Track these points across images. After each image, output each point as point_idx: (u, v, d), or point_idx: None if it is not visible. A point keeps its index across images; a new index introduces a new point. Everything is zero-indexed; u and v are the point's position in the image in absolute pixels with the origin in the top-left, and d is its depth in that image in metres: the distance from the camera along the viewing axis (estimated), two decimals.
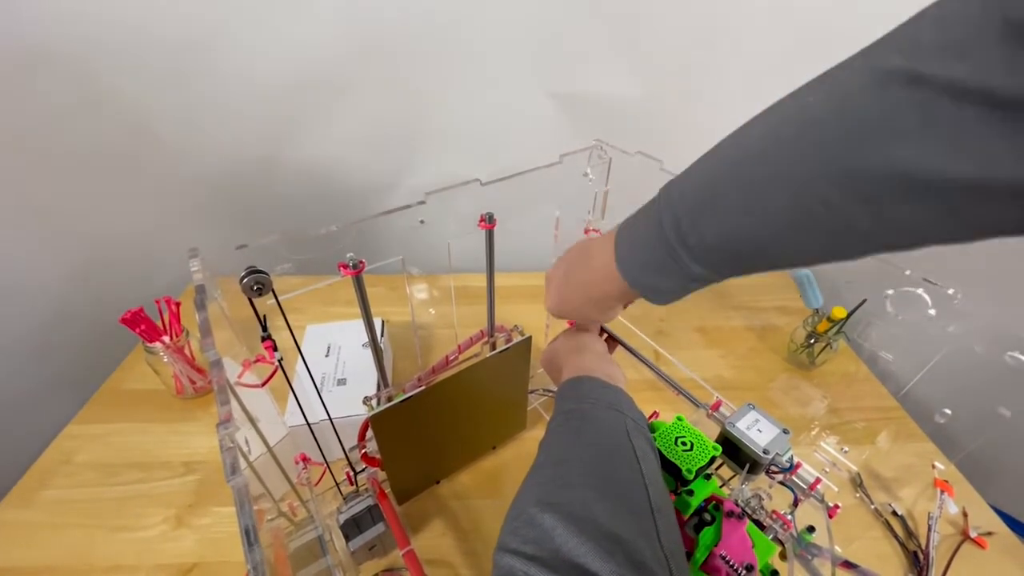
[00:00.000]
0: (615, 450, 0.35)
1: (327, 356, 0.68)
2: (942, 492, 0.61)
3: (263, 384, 0.41)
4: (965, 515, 0.60)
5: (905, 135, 0.22)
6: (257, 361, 0.40)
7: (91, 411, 0.73)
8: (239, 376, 0.38)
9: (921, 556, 0.57)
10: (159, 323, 0.70)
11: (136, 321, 0.68)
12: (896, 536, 0.59)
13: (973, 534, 0.59)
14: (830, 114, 0.25)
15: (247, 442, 0.34)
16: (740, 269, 0.32)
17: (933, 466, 0.63)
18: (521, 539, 0.29)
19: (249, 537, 0.25)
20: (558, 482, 0.33)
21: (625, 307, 0.46)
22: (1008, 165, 0.20)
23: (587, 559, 0.26)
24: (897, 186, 0.23)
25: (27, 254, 0.80)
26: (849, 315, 0.72)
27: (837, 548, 0.44)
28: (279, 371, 0.41)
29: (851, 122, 0.24)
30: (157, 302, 0.71)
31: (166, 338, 0.70)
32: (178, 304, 0.72)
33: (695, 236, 0.31)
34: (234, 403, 0.33)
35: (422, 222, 0.46)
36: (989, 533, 0.59)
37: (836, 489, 0.46)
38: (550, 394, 0.73)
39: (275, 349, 0.40)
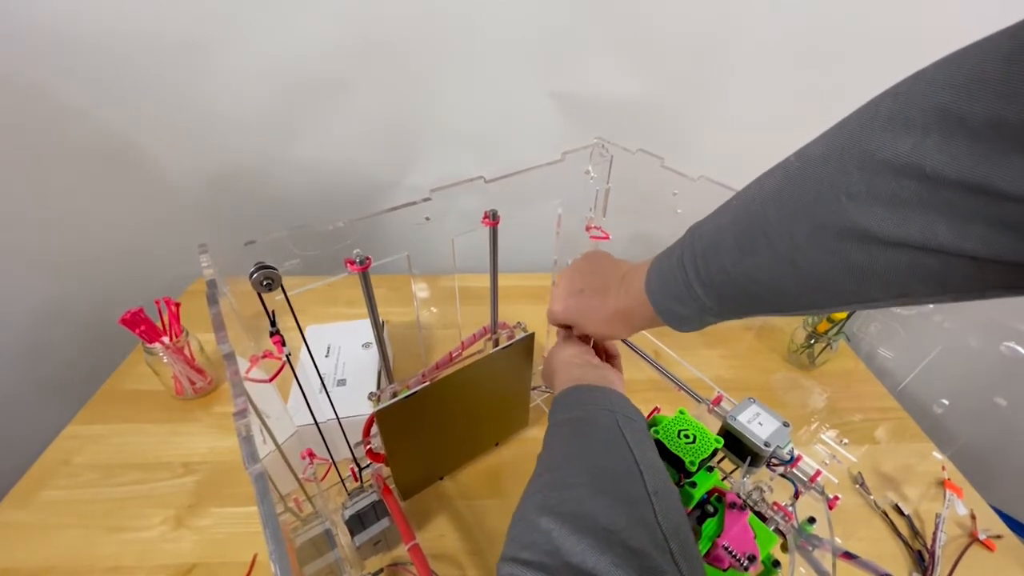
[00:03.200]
0: (607, 445, 0.36)
1: (327, 356, 0.68)
2: (950, 492, 0.61)
3: (271, 379, 0.41)
4: (973, 517, 0.60)
5: (857, 200, 0.25)
6: (265, 357, 0.41)
7: (90, 412, 0.73)
8: (247, 371, 0.38)
9: (926, 555, 0.57)
10: (159, 324, 0.70)
11: (136, 322, 0.68)
12: (900, 535, 0.59)
13: (982, 536, 0.59)
14: (802, 175, 0.28)
15: (262, 432, 0.34)
16: (746, 309, 0.35)
17: (943, 467, 0.64)
18: (520, 546, 0.29)
19: (270, 526, 0.25)
20: (553, 486, 0.33)
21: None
22: (944, 233, 0.22)
23: (584, 556, 0.27)
24: (858, 241, 0.25)
25: (26, 254, 0.80)
26: (849, 315, 0.73)
27: (837, 539, 0.45)
28: (286, 367, 0.41)
29: (816, 184, 0.27)
30: (157, 302, 0.71)
31: (166, 338, 0.70)
32: (177, 304, 0.72)
33: (706, 272, 0.34)
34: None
35: (427, 219, 0.47)
36: (998, 536, 0.59)
37: (836, 481, 0.47)
38: (552, 391, 0.74)
39: (283, 344, 0.40)
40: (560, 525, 0.29)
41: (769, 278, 0.31)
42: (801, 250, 0.28)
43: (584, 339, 0.51)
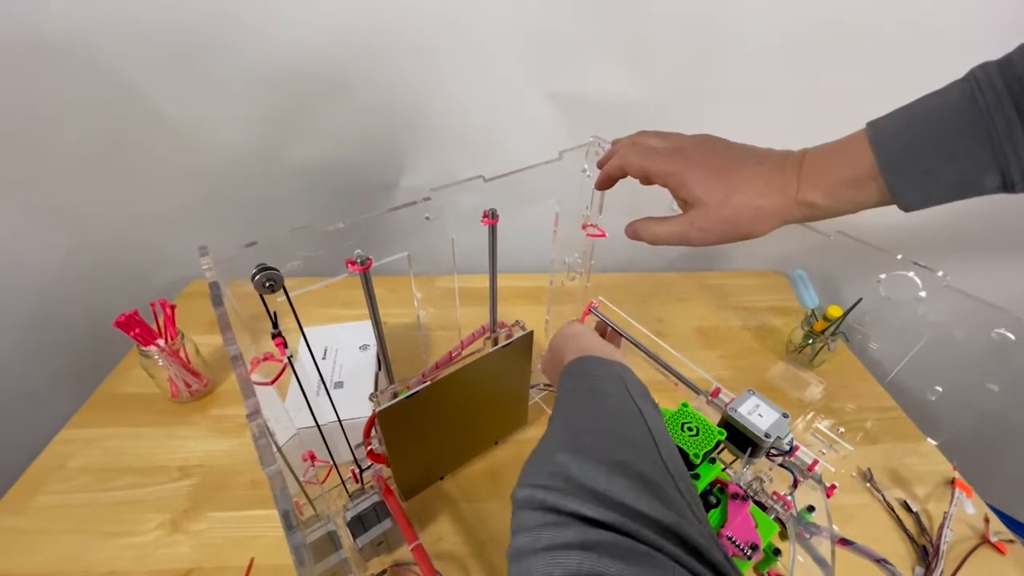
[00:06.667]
0: (619, 409, 0.38)
1: (324, 358, 0.68)
2: (959, 491, 0.61)
3: (273, 381, 0.41)
4: (987, 520, 0.60)
5: None
6: (266, 359, 0.40)
7: (85, 415, 0.72)
8: (249, 374, 0.38)
9: (930, 550, 0.57)
10: (154, 326, 0.69)
11: (130, 324, 0.67)
12: (906, 531, 0.59)
13: (994, 539, 0.58)
14: None
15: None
16: None
17: (954, 467, 0.65)
18: (536, 476, 0.32)
19: (289, 520, 0.25)
20: (566, 431, 0.36)
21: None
22: None
23: (597, 481, 0.29)
24: None
25: (20, 256, 0.79)
26: (845, 314, 0.73)
27: (835, 527, 0.45)
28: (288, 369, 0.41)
29: None
30: (152, 305, 0.70)
31: (161, 341, 0.69)
32: (173, 307, 0.71)
33: None
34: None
35: (428, 218, 0.47)
36: (1011, 540, 0.58)
37: (833, 470, 0.48)
38: (550, 388, 0.74)
39: (285, 346, 0.40)
40: (575, 458, 0.31)
41: None
42: None
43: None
